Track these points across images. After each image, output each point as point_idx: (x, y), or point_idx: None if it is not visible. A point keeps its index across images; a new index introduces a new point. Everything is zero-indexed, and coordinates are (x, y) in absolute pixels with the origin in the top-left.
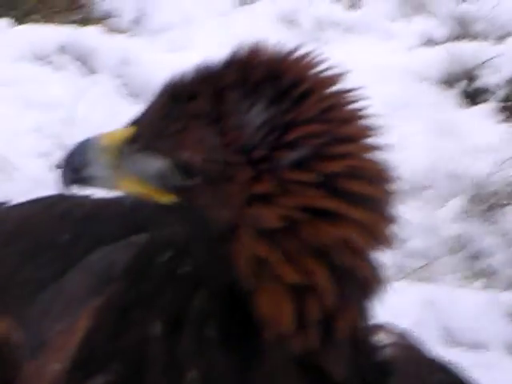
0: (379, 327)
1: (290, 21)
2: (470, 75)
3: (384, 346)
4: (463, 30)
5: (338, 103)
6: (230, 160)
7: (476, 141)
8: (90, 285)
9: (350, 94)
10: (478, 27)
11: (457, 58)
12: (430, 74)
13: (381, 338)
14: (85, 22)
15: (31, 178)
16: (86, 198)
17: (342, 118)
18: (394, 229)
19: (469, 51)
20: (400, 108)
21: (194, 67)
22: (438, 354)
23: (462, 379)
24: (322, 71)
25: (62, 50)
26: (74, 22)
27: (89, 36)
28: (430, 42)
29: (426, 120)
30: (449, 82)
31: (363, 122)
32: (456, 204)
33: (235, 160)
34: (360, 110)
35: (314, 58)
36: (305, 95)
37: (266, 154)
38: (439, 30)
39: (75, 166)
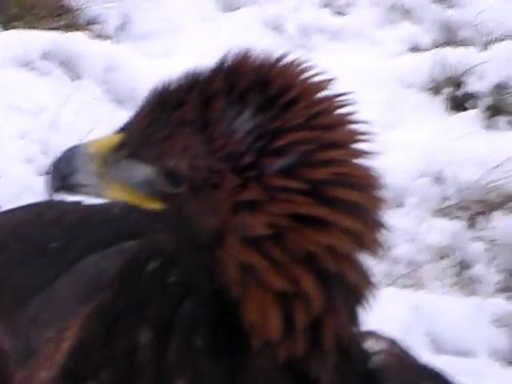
0: (368, 334)
1: (275, 27)
2: (456, 82)
3: (373, 354)
4: (449, 37)
5: (326, 109)
6: (216, 167)
7: (462, 147)
8: (80, 292)
9: (338, 99)
10: (464, 33)
11: (443, 65)
12: (417, 81)
13: (370, 345)
14: (69, 28)
15: (17, 184)
16: (77, 204)
17: (329, 124)
18: (381, 235)
19: (454, 58)
20: (387, 114)
21: (181, 74)
22: (426, 361)
23: None
24: (309, 78)
25: (47, 55)
26: (57, 28)
27: (73, 42)
28: (416, 48)
29: (413, 126)
30: (435, 88)
31: (351, 127)
32: (442, 210)
33: (221, 167)
34: (348, 115)
35: (301, 65)
36: (292, 102)
37: (253, 162)
38: (425, 37)
39: (62, 173)
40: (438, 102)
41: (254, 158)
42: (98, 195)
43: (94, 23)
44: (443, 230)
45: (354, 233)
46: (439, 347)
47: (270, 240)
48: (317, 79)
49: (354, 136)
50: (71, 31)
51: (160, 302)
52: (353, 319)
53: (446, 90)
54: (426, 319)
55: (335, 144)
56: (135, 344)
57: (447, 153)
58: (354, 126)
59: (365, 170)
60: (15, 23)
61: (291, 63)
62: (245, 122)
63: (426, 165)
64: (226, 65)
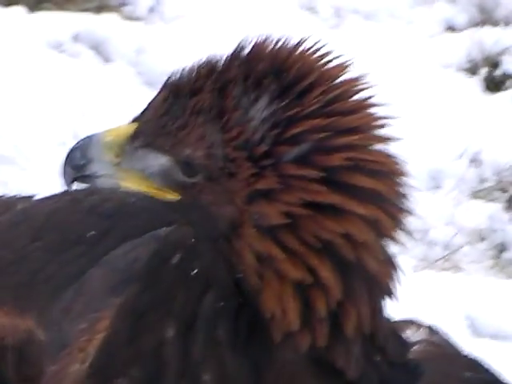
0: (407, 323)
1: (309, 8)
2: (493, 62)
3: (412, 343)
4: (485, 16)
5: (343, 95)
6: (231, 156)
7: (500, 128)
8: (111, 283)
9: (357, 84)
10: (500, 13)
11: (479, 45)
12: (452, 61)
13: (409, 335)
14: (100, 9)
15: (50, 168)
16: (113, 192)
17: (345, 109)
18: (404, 221)
19: (491, 37)
20: (421, 95)
21: (196, 61)
22: (463, 347)
23: (491, 376)
24: (326, 64)
25: (76, 38)
26: (87, 10)
27: (103, 24)
28: (452, 28)
29: (450, 107)
30: (471, 68)
31: (369, 112)
32: (479, 193)
33: (237, 156)
34: (367, 99)
35: (319, 51)
36: (308, 89)
37: (268, 150)
38: (460, 17)
39: (77, 163)
40: (475, 83)
41: (269, 147)
42: (113, 186)
43: (125, 4)
44: (481, 212)
45: (372, 220)
46: (478, 331)
47: (285, 229)
48: (335, 64)
49: (372, 121)
50: (102, 13)
51: (183, 296)
52: (377, 308)
53: (483, 71)
54: (465, 303)
55: (351, 130)
56: (161, 339)
57: (484, 134)
58: (373, 111)
59: (384, 155)
60: (45, 5)
61: (309, 49)
62: (260, 110)
63: (463, 146)
64: (242, 52)
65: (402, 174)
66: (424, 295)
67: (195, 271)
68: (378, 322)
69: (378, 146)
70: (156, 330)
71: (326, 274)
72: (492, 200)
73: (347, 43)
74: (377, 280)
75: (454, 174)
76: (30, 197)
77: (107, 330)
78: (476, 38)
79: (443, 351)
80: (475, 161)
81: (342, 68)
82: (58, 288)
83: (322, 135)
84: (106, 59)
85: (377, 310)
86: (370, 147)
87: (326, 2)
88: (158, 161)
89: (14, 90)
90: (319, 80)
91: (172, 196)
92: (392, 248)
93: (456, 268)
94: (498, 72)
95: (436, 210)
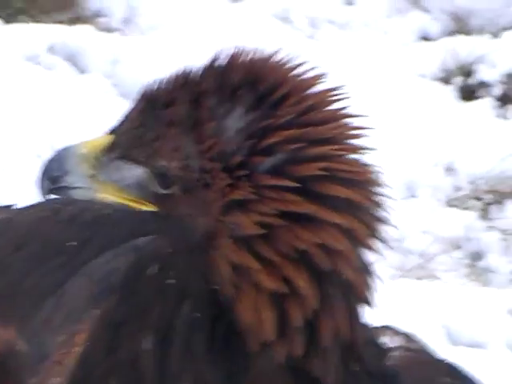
0: (384, 330)
1: (283, 18)
2: (466, 71)
3: (390, 350)
4: (458, 25)
5: (317, 105)
6: (206, 167)
7: (474, 137)
8: (90, 293)
9: (332, 94)
10: (474, 22)
11: (453, 54)
12: (427, 70)
13: (386, 342)
14: (74, 21)
15: (23, 180)
16: (94, 201)
17: (319, 119)
18: (380, 230)
19: (465, 46)
20: (396, 104)
21: (172, 73)
22: (440, 355)
23: (469, 381)
24: (300, 74)
25: (52, 50)
26: (62, 22)
27: (78, 36)
28: (426, 37)
29: (424, 116)
30: (445, 77)
31: (343, 122)
32: (454, 201)
33: (212, 167)
34: (341, 109)
35: (293, 61)
36: (282, 99)
37: (243, 161)
38: (434, 26)
39: (52, 175)
40: (449, 92)
41: (244, 157)
42: (89, 197)
43: (99, 16)
44: (456, 221)
45: (347, 229)
46: (454, 339)
47: (261, 240)
48: (309, 75)
49: (347, 131)
50: (77, 24)
51: (160, 307)
52: (354, 316)
53: (457, 80)
54: (441, 311)
55: (326, 140)
56: (138, 351)
57: (459, 143)
58: (347, 121)
59: (359, 164)
60: (20, 17)
61: (283, 60)
62: (235, 121)
63: (438, 155)
64: (217, 63)
65: (376, 182)
66: (400, 304)
67: (172, 282)
68: (356, 331)
69: (353, 156)
70: (133, 341)
71: (302, 283)
72: (467, 208)
73: (322, 53)
74: (353, 288)
75: (429, 183)
76: (10, 206)
77: (85, 342)
78: (450, 47)
79: (421, 357)
80: (450, 169)
81: (316, 78)
82: (39, 298)
83: (296, 145)
84: (82, 70)
85: (354, 319)
86: (344, 157)
87: (300, 12)
88: (134, 172)
89: None
90: (293, 90)
91: (148, 207)
92: (368, 256)
93: (432, 276)
94: (472, 81)
95: (411, 218)
